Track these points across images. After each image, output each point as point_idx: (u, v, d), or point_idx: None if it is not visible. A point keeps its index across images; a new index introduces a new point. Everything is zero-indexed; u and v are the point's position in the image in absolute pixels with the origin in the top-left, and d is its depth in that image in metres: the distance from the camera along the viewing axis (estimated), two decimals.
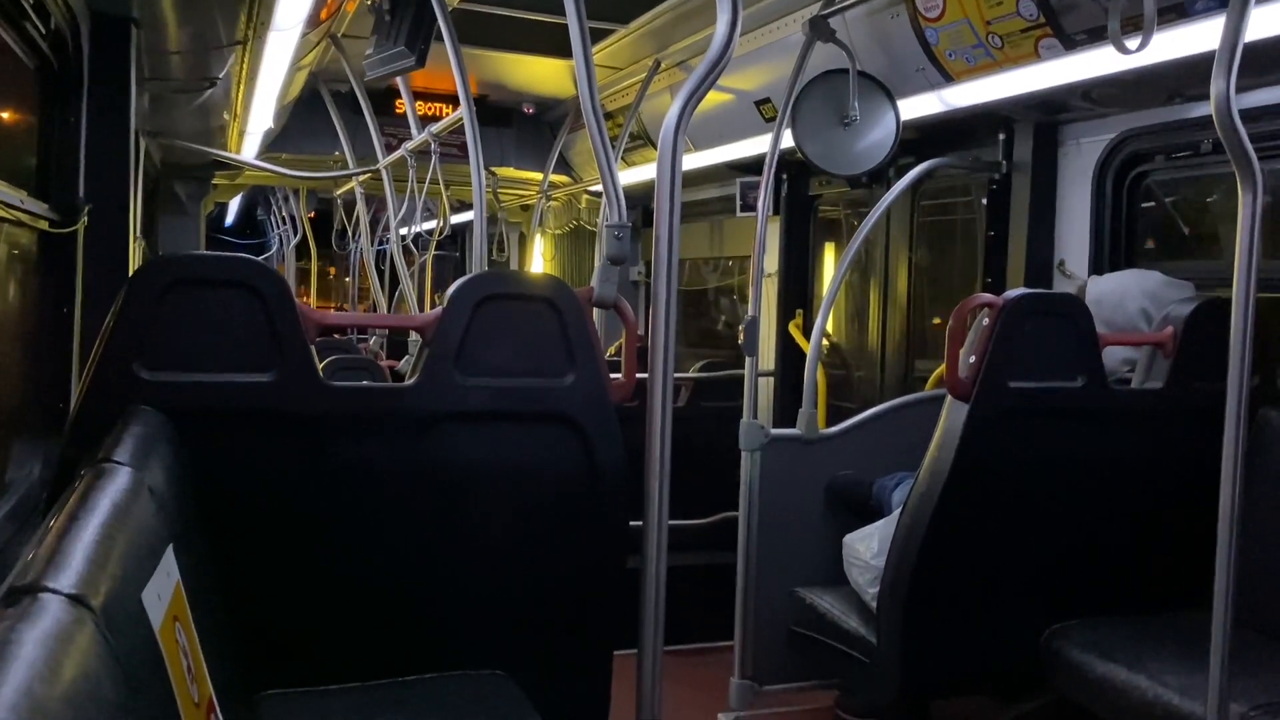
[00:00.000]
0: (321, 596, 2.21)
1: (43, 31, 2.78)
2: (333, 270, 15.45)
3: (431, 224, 7.62)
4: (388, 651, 2.26)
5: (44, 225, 2.85)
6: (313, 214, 11.14)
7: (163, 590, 1.25)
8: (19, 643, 0.84)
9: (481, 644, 2.33)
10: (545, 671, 2.34)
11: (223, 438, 2.08)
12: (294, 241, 11.50)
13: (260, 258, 13.09)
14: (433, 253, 7.87)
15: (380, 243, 9.55)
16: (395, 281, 8.18)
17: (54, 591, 0.96)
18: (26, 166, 2.95)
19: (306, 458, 2.16)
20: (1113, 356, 3.10)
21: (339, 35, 4.79)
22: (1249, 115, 2.23)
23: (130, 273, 3.23)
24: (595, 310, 2.35)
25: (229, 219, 14.38)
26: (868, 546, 3.17)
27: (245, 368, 2.09)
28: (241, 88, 4.41)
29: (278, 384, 2.10)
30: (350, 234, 10.25)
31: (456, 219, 8.81)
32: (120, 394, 1.99)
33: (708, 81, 1.80)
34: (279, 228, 12.47)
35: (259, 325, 2.09)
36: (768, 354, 5.37)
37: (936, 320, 4.77)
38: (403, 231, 5.97)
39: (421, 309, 7.45)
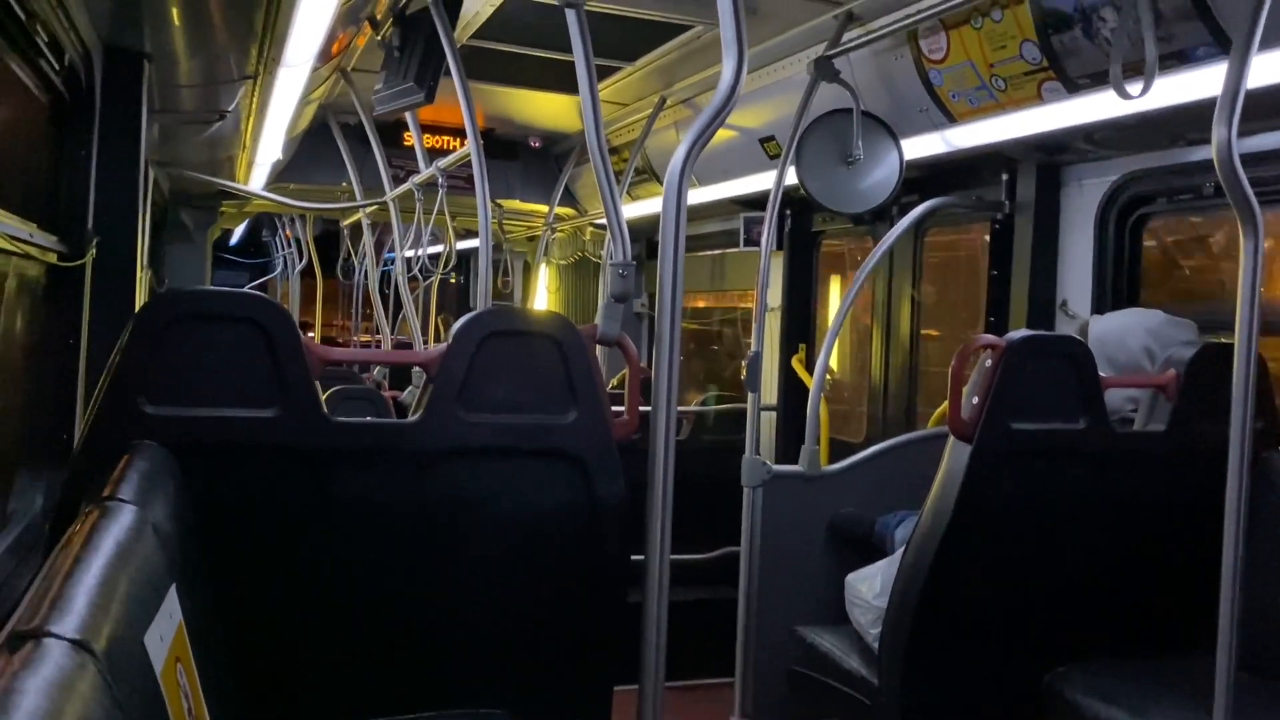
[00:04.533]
0: (322, 633, 2.20)
1: (56, 66, 2.81)
2: (336, 290, 15.45)
3: (436, 249, 7.66)
4: (388, 688, 2.25)
5: (53, 258, 2.87)
6: (317, 233, 11.19)
7: (165, 632, 1.25)
8: (22, 691, 0.84)
9: (482, 681, 2.32)
10: (545, 708, 2.33)
11: (226, 473, 2.09)
12: (299, 266, 11.55)
13: (264, 278, 13.17)
14: (438, 280, 7.90)
15: (385, 265, 9.59)
16: (399, 306, 8.21)
17: (57, 636, 0.96)
18: (36, 199, 2.97)
19: (310, 494, 2.16)
20: (1116, 396, 3.10)
21: (349, 70, 4.83)
22: (1250, 160, 2.24)
23: (137, 305, 3.25)
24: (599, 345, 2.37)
25: (234, 239, 14.41)
26: (870, 586, 3.16)
27: (250, 403, 2.10)
28: (251, 120, 4.45)
29: (282, 419, 2.11)
30: (355, 260, 10.29)
31: (462, 245, 8.84)
32: (124, 428, 1.99)
33: (715, 123, 1.82)
34: (284, 249, 12.52)
35: (264, 361, 2.10)
36: (770, 389, 5.37)
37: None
38: (408, 255, 5.99)
39: (424, 335, 7.47)
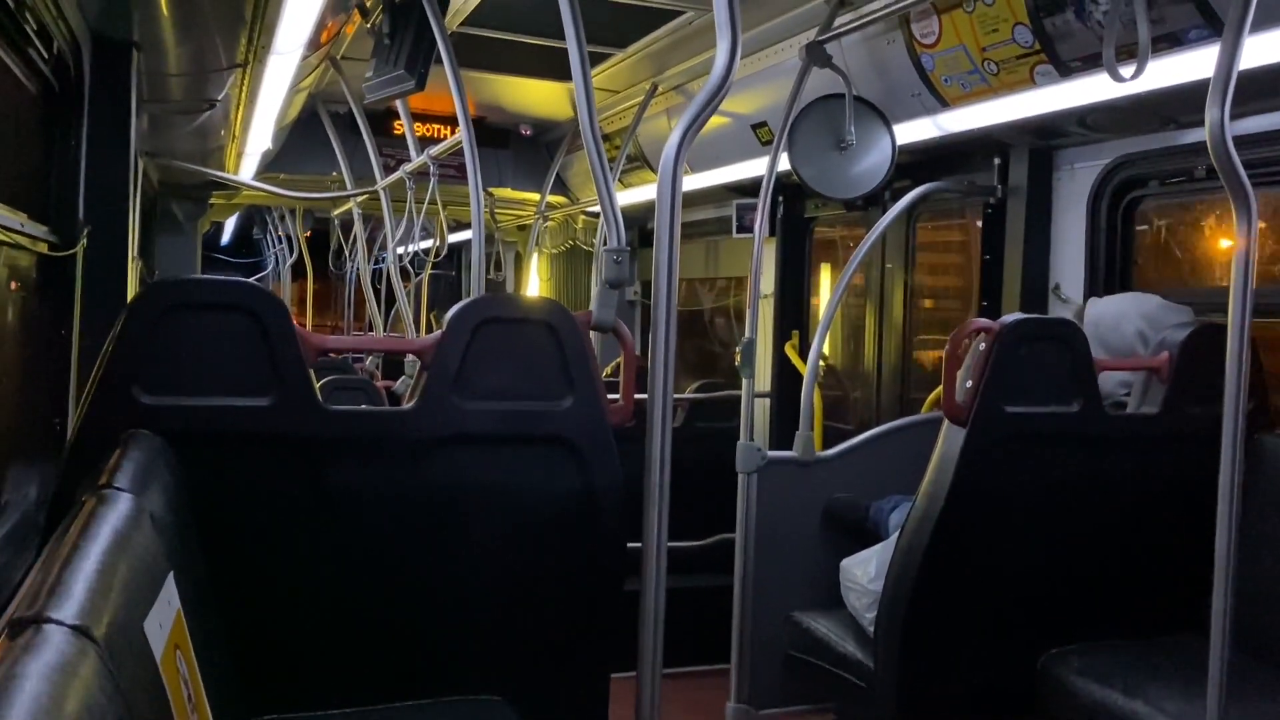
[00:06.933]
0: (319, 620, 2.20)
1: (45, 56, 2.79)
2: (329, 288, 15.43)
3: (428, 243, 7.64)
4: (385, 676, 2.25)
5: (43, 248, 2.85)
6: (308, 233, 11.14)
7: (164, 619, 1.25)
8: (23, 676, 0.84)
9: (479, 668, 2.32)
10: (542, 696, 2.33)
11: (221, 462, 2.08)
12: (290, 261, 11.50)
13: (255, 277, 13.14)
14: (429, 272, 7.89)
15: (377, 261, 9.56)
16: (391, 300, 8.18)
17: (57, 623, 0.96)
18: (26, 189, 2.95)
19: (305, 482, 2.16)
20: (1109, 379, 3.11)
21: (338, 58, 4.80)
22: (1243, 141, 2.24)
23: (129, 295, 3.24)
24: (593, 332, 2.37)
25: (224, 238, 14.37)
26: (865, 571, 3.17)
27: (244, 391, 2.10)
28: (240, 110, 4.43)
29: (277, 408, 2.11)
30: (347, 253, 10.26)
31: (453, 238, 8.80)
32: (119, 418, 1.99)
33: (709, 108, 1.81)
34: (275, 247, 12.46)
35: (258, 349, 2.09)
36: (764, 375, 5.37)
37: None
38: (400, 250, 5.97)
39: (417, 328, 7.45)
